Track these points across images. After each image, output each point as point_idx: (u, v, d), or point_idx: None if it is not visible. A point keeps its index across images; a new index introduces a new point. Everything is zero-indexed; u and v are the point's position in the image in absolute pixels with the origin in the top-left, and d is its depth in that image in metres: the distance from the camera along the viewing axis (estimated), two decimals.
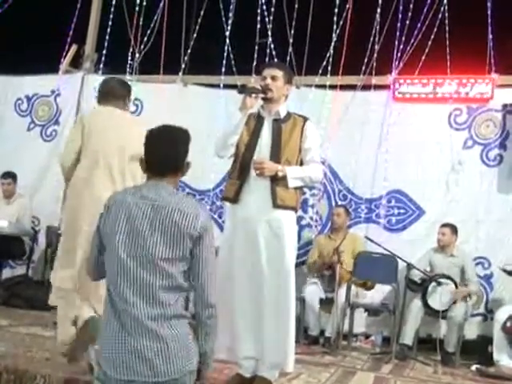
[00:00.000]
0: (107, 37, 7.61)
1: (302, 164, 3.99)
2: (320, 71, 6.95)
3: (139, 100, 7.40)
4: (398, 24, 6.79)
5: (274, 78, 3.95)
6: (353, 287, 5.96)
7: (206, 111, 7.07)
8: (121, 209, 2.58)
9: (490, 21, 6.55)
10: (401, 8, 6.79)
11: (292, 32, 7.07)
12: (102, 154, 3.90)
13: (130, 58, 7.57)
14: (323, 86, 6.95)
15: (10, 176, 6.86)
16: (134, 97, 7.34)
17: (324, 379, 4.44)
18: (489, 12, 6.53)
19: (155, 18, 7.46)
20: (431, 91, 6.70)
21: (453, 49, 6.65)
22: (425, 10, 6.73)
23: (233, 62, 7.22)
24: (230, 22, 7.32)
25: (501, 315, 5.48)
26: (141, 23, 7.51)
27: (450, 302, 5.75)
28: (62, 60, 7.81)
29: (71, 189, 4.02)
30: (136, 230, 2.54)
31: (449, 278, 5.84)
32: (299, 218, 6.38)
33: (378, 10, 6.88)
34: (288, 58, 6.95)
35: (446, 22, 6.68)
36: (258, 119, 4.02)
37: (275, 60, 6.96)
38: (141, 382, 2.45)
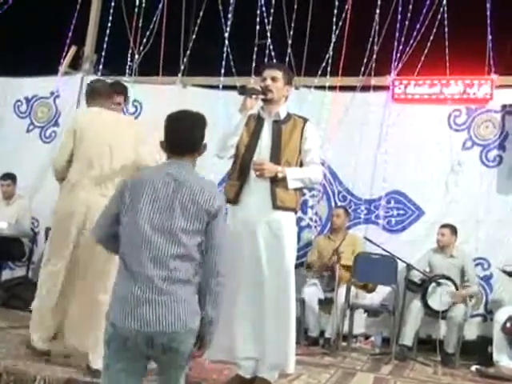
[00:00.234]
0: (106, 38, 7.61)
1: (301, 165, 3.99)
2: (319, 72, 6.95)
3: (138, 101, 7.40)
4: (397, 25, 6.79)
5: (274, 78, 3.96)
6: (352, 288, 5.95)
7: (205, 112, 6.88)
8: (146, 183, 2.81)
9: (489, 21, 6.55)
10: (400, 9, 6.80)
11: (291, 33, 7.08)
12: (93, 157, 4.02)
13: (129, 59, 7.57)
14: (322, 87, 6.95)
15: (10, 177, 6.86)
16: (133, 98, 7.38)
17: (324, 380, 4.45)
18: (488, 13, 6.53)
19: (154, 19, 7.46)
20: (430, 92, 6.70)
21: (452, 49, 6.66)
22: (424, 10, 6.73)
23: (232, 63, 7.22)
24: (229, 23, 7.32)
25: (500, 316, 5.48)
26: (140, 24, 7.51)
27: (449, 302, 5.76)
28: (62, 61, 7.81)
29: (62, 190, 4.15)
30: (159, 204, 2.77)
31: (448, 278, 5.84)
32: (299, 219, 6.37)
33: (377, 11, 6.88)
34: (287, 59, 6.95)
35: (446, 22, 6.69)
36: (258, 120, 4.02)
37: (274, 61, 6.96)
38: (146, 332, 2.65)
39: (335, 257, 5.86)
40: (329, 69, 6.94)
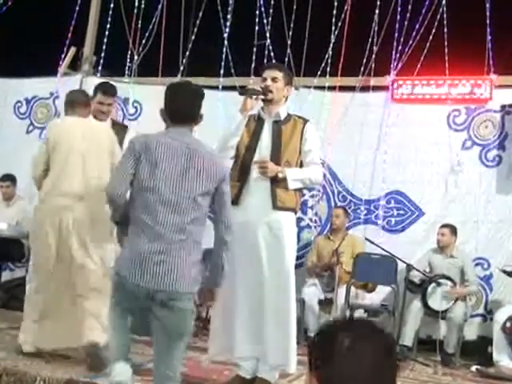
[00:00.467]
0: (106, 39, 7.61)
1: (301, 165, 4.00)
2: (319, 72, 6.95)
3: (138, 102, 7.40)
4: (397, 25, 6.79)
5: (274, 79, 3.97)
6: (352, 288, 5.96)
7: (204, 113, 7.03)
8: (160, 148, 3.01)
9: (488, 22, 6.54)
10: (399, 9, 6.79)
11: (290, 33, 7.07)
12: (67, 165, 4.15)
13: (128, 60, 7.57)
14: (322, 88, 6.95)
15: (9, 179, 6.85)
16: (133, 99, 7.39)
17: None
18: (487, 13, 6.53)
19: (153, 20, 7.45)
20: (430, 92, 6.70)
21: (451, 50, 6.66)
22: (423, 10, 6.73)
23: (231, 64, 7.22)
24: (228, 23, 7.32)
25: (500, 316, 5.48)
26: (139, 25, 7.51)
27: (449, 302, 5.75)
28: (61, 62, 7.80)
29: (40, 196, 4.31)
30: (176, 169, 3.00)
31: (448, 278, 5.84)
32: (298, 220, 6.36)
33: (377, 11, 6.88)
34: (287, 60, 6.95)
35: (445, 22, 6.68)
36: (259, 121, 4.03)
37: (274, 62, 6.96)
38: (147, 287, 2.89)
39: (335, 257, 5.86)
40: (328, 69, 6.94)
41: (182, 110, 3.13)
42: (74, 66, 7.94)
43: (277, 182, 3.87)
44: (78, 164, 4.17)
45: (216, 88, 7.29)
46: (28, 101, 7.86)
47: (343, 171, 6.81)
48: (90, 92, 5.09)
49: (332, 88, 6.93)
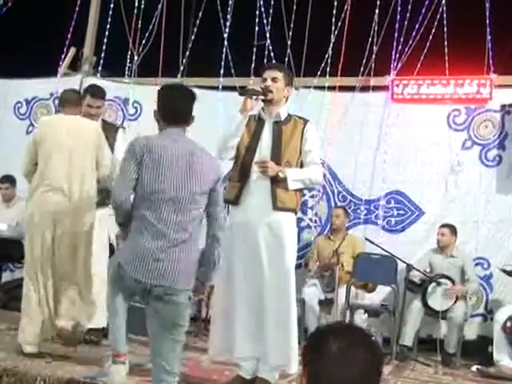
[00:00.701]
0: (106, 39, 7.62)
1: (302, 166, 4.00)
2: (319, 73, 6.95)
3: (138, 103, 7.40)
4: (397, 25, 6.79)
5: (274, 79, 3.97)
6: (352, 288, 5.95)
7: (204, 113, 7.03)
8: (162, 150, 3.16)
9: (488, 21, 6.54)
10: (399, 9, 6.79)
11: (290, 34, 7.07)
12: (53, 161, 4.26)
13: (128, 60, 7.57)
14: (322, 88, 6.95)
15: (8, 180, 6.84)
16: (133, 99, 7.39)
17: None
18: (487, 13, 6.53)
19: (153, 20, 7.45)
20: (430, 92, 6.69)
21: (451, 49, 6.66)
22: (423, 10, 6.73)
23: (231, 64, 7.22)
24: (228, 23, 7.32)
25: (501, 315, 5.49)
26: (139, 26, 7.51)
27: (450, 302, 5.75)
28: (61, 63, 7.80)
29: (29, 191, 4.46)
30: (177, 168, 3.15)
31: (448, 278, 5.84)
32: (299, 220, 6.36)
33: (377, 11, 6.88)
34: (286, 60, 6.95)
35: (445, 22, 6.68)
36: (259, 121, 4.03)
37: (274, 62, 6.96)
38: (145, 282, 3.06)
39: (335, 257, 5.86)
40: (328, 69, 6.94)
41: (176, 111, 3.29)
42: (74, 66, 7.94)
43: (277, 182, 3.87)
44: (62, 159, 4.27)
45: (216, 88, 7.30)
46: (28, 101, 7.86)
47: (343, 171, 6.81)
48: None
49: (332, 88, 6.93)
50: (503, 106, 6.46)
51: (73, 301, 4.31)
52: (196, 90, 7.23)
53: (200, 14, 7.39)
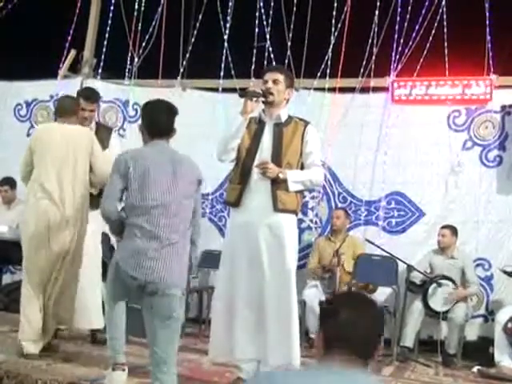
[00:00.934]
0: (106, 41, 7.62)
1: (302, 167, 4.00)
2: (319, 74, 6.95)
3: (138, 105, 7.39)
4: (396, 26, 6.79)
5: (275, 81, 3.97)
6: (353, 289, 5.95)
7: (204, 115, 7.07)
8: (148, 160, 3.43)
9: (488, 22, 6.54)
10: (399, 10, 6.79)
11: (290, 35, 7.08)
12: (46, 168, 4.37)
13: (128, 62, 7.57)
14: (322, 89, 6.95)
15: (8, 182, 6.83)
16: (133, 101, 7.39)
17: None
18: (487, 13, 6.53)
19: (153, 22, 7.46)
20: (430, 93, 6.69)
21: (451, 50, 6.66)
22: (423, 11, 6.73)
23: (231, 66, 7.22)
24: (228, 25, 7.33)
25: (502, 316, 5.48)
26: (139, 28, 7.52)
27: (450, 303, 5.75)
28: (61, 65, 7.81)
29: (25, 196, 4.61)
30: (163, 175, 3.40)
31: (449, 279, 5.84)
32: (299, 221, 6.36)
33: (376, 12, 6.88)
34: (286, 61, 6.96)
35: (445, 23, 6.68)
36: (259, 123, 4.04)
37: (274, 63, 6.97)
38: (141, 279, 3.32)
39: (336, 258, 5.86)
40: (328, 70, 6.94)
41: (159, 125, 3.55)
42: (74, 68, 7.95)
43: (277, 183, 3.88)
44: (54, 167, 4.37)
45: (216, 90, 7.30)
46: (28, 103, 7.87)
47: (343, 172, 6.81)
48: None
49: (332, 89, 6.93)
50: (503, 107, 6.46)
51: (57, 303, 4.42)
52: (196, 92, 7.42)
53: (200, 16, 7.39)
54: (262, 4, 7.20)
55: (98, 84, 7.44)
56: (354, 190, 6.76)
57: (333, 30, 6.95)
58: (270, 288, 3.81)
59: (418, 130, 6.67)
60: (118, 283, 3.47)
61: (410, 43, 6.73)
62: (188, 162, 3.58)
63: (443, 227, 6.10)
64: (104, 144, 4.78)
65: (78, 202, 4.39)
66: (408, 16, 6.76)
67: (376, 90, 6.88)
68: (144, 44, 7.50)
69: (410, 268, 5.82)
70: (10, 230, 6.58)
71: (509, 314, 5.45)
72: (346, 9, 6.93)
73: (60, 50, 7.81)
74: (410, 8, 6.77)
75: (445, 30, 6.67)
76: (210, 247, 6.62)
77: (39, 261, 4.36)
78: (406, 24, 6.77)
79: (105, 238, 6.17)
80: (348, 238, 6.27)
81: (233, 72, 7.21)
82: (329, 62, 6.93)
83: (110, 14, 7.60)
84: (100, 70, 7.76)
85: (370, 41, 6.82)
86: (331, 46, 6.95)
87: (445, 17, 6.68)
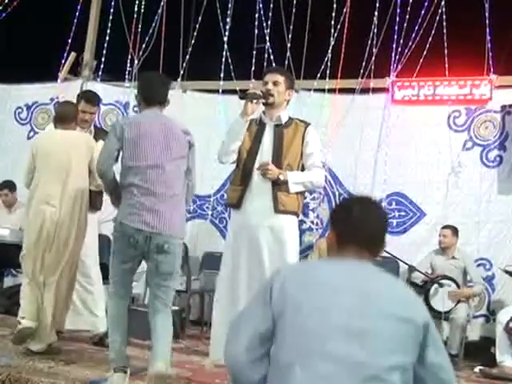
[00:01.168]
0: (106, 44, 7.63)
1: (303, 169, 4.00)
2: (318, 75, 6.95)
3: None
4: (396, 27, 6.80)
5: (275, 83, 3.98)
6: None
7: (205, 117, 7.08)
8: (141, 125, 3.67)
9: (487, 22, 6.54)
10: (398, 10, 6.80)
11: (290, 36, 7.08)
12: (43, 172, 4.46)
13: (128, 64, 7.58)
14: (322, 90, 6.95)
15: (7, 186, 6.81)
16: (133, 104, 7.39)
17: None
18: (487, 13, 6.53)
19: (153, 24, 7.47)
20: (430, 93, 6.70)
21: (451, 50, 6.66)
22: (422, 12, 6.74)
23: (231, 68, 7.23)
24: (227, 27, 7.33)
25: (503, 316, 5.48)
26: (139, 30, 7.52)
27: (452, 303, 5.75)
28: (61, 68, 7.82)
29: (27, 200, 4.65)
30: (157, 138, 3.63)
31: (450, 279, 5.84)
32: (300, 222, 6.36)
33: (376, 13, 6.89)
34: (286, 63, 6.96)
35: (444, 23, 6.69)
36: (260, 125, 4.04)
37: (273, 65, 6.97)
38: (146, 231, 3.52)
39: None
40: (328, 71, 6.95)
41: (155, 95, 3.78)
42: (75, 71, 7.96)
43: (278, 185, 3.88)
44: (54, 173, 4.44)
45: (216, 92, 7.31)
46: (28, 106, 7.88)
47: (344, 173, 6.81)
48: None
49: (332, 90, 6.93)
50: (503, 107, 6.47)
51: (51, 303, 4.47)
52: (196, 94, 7.42)
53: (200, 18, 7.40)
54: (261, 5, 7.21)
55: (98, 86, 7.45)
56: (355, 190, 6.75)
57: (332, 31, 6.95)
58: None
59: (419, 131, 6.68)
60: (124, 244, 3.60)
61: (410, 44, 6.74)
62: (179, 126, 3.79)
63: (444, 227, 6.10)
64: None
65: (77, 206, 4.45)
66: (407, 16, 6.77)
67: (376, 90, 6.89)
68: (144, 46, 7.52)
69: (411, 268, 5.81)
70: (12, 233, 6.57)
71: (510, 313, 5.44)
72: (345, 10, 6.94)
73: (60, 53, 7.82)
74: (409, 8, 6.78)
75: (444, 30, 6.68)
76: (211, 249, 6.63)
77: (41, 264, 4.45)
78: (405, 24, 6.77)
79: (105, 240, 6.18)
80: None
81: (233, 73, 7.22)
82: (328, 63, 6.94)
83: (110, 17, 7.62)
84: (100, 73, 7.77)
85: (369, 42, 6.83)
86: (331, 47, 6.96)
87: (444, 17, 6.69)
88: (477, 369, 5.41)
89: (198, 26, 7.41)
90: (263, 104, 4.02)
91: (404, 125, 6.72)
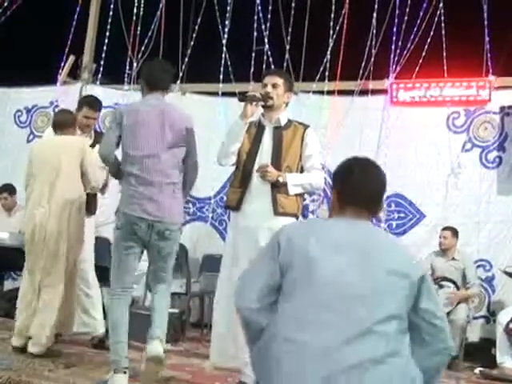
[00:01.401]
0: (105, 47, 7.64)
1: (302, 171, 4.01)
2: (317, 77, 6.95)
3: None
4: (395, 28, 6.81)
5: (274, 85, 3.98)
6: None
7: (204, 119, 7.07)
8: (139, 112, 3.79)
9: (486, 23, 6.55)
10: (397, 12, 6.80)
11: (289, 38, 7.09)
12: (39, 179, 4.56)
13: (127, 67, 7.59)
14: (321, 92, 6.96)
15: (7, 189, 6.81)
16: None
17: None
18: (485, 14, 6.54)
19: (152, 27, 7.48)
20: (429, 95, 6.70)
21: (450, 51, 6.67)
22: (421, 13, 6.74)
23: (230, 70, 7.23)
24: (226, 29, 7.34)
25: (503, 317, 5.48)
26: (138, 32, 7.53)
27: (452, 304, 5.75)
28: (61, 71, 7.82)
29: (25, 202, 4.77)
30: (154, 126, 3.76)
31: (450, 280, 5.84)
32: None
33: (374, 15, 6.89)
34: (285, 65, 6.97)
35: (443, 25, 6.69)
36: (259, 127, 4.04)
37: (272, 67, 6.98)
38: (148, 219, 3.71)
39: None
40: (327, 73, 6.95)
41: (158, 81, 3.90)
42: (74, 74, 7.96)
43: (278, 187, 3.88)
44: (46, 179, 4.53)
45: (215, 94, 7.31)
46: (28, 110, 7.89)
47: None
48: None
49: (331, 92, 6.94)
50: (502, 108, 6.47)
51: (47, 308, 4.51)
52: (195, 96, 7.42)
53: (199, 20, 7.40)
54: (260, 8, 7.22)
55: (97, 89, 7.46)
56: None
57: (331, 32, 6.96)
58: None
59: (418, 132, 6.68)
60: (128, 231, 3.76)
61: (409, 45, 6.75)
62: (178, 112, 3.91)
63: (444, 229, 6.10)
64: None
65: (67, 207, 4.50)
66: (406, 18, 6.78)
67: (375, 92, 6.89)
68: (143, 49, 7.52)
69: None
70: (11, 236, 6.56)
71: (510, 314, 5.44)
72: (344, 12, 6.94)
73: (59, 56, 7.82)
74: (407, 10, 6.78)
75: (443, 31, 6.68)
76: (211, 251, 6.63)
77: (37, 266, 4.53)
78: (404, 26, 6.78)
79: (105, 243, 6.18)
80: None
81: (232, 76, 7.22)
82: (327, 65, 6.94)
83: (109, 19, 7.62)
84: (99, 76, 7.78)
85: (368, 43, 6.83)
86: (330, 49, 6.96)
87: (443, 18, 6.69)
88: (477, 370, 5.41)
89: (197, 28, 7.41)
90: (262, 106, 4.02)
91: (403, 126, 6.72)
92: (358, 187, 2.26)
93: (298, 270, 2.14)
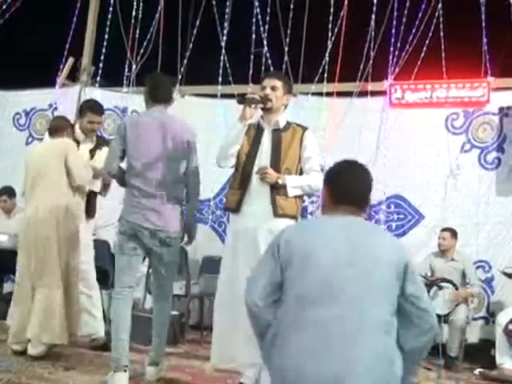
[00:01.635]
0: (104, 49, 7.64)
1: (301, 173, 4.01)
2: (316, 79, 6.96)
3: (137, 112, 7.40)
4: (393, 30, 6.81)
5: (273, 88, 3.99)
6: None
7: (203, 121, 7.07)
8: (140, 125, 3.98)
9: (484, 24, 6.56)
10: (395, 14, 6.81)
11: (287, 40, 7.09)
12: (31, 183, 4.72)
13: (126, 69, 7.59)
14: (320, 94, 6.96)
15: (6, 192, 6.80)
16: (131, 109, 7.41)
17: None
18: (483, 16, 6.55)
19: (151, 29, 7.48)
20: (427, 96, 6.71)
21: (448, 53, 6.68)
22: (419, 14, 6.75)
23: (229, 72, 7.24)
24: (225, 32, 7.34)
25: (502, 318, 5.48)
26: (137, 35, 7.53)
27: (451, 306, 5.75)
28: (59, 73, 7.82)
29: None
30: (155, 139, 3.93)
31: (450, 281, 5.84)
32: None
33: (373, 16, 6.90)
34: (284, 67, 6.97)
35: (441, 26, 6.70)
36: (258, 129, 4.05)
37: (271, 69, 6.98)
38: (150, 228, 3.90)
39: None
40: (325, 75, 6.96)
41: (161, 94, 4.07)
42: (73, 76, 7.96)
43: (277, 189, 3.88)
44: (36, 181, 4.67)
45: (215, 96, 7.31)
46: (27, 112, 7.89)
47: None
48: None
49: (330, 94, 6.94)
50: (501, 109, 6.48)
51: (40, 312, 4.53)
52: (194, 98, 7.43)
53: (197, 23, 7.41)
54: (258, 10, 7.22)
55: (96, 92, 7.46)
56: None
57: (330, 34, 6.97)
58: None
59: (417, 133, 6.69)
60: (132, 236, 3.94)
61: (407, 47, 6.76)
62: (180, 124, 4.07)
63: (443, 230, 6.11)
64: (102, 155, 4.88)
65: (54, 208, 4.57)
66: (404, 19, 6.78)
67: (374, 93, 6.90)
68: (142, 51, 7.52)
69: None
70: (10, 238, 6.55)
71: (510, 315, 5.45)
72: (342, 13, 6.95)
73: (58, 59, 7.83)
74: (406, 11, 6.79)
75: (441, 32, 6.69)
76: (211, 253, 6.63)
77: (27, 269, 4.69)
78: (402, 27, 6.78)
79: (104, 245, 6.19)
80: None
81: (231, 78, 7.22)
82: (326, 67, 6.95)
83: (108, 22, 7.62)
84: (98, 78, 7.78)
85: (367, 45, 6.84)
86: (328, 51, 6.97)
87: (441, 20, 6.70)
88: (476, 371, 5.41)
89: (195, 30, 7.42)
90: (261, 109, 4.03)
91: (402, 127, 6.73)
92: (348, 190, 2.54)
93: (296, 266, 2.37)
